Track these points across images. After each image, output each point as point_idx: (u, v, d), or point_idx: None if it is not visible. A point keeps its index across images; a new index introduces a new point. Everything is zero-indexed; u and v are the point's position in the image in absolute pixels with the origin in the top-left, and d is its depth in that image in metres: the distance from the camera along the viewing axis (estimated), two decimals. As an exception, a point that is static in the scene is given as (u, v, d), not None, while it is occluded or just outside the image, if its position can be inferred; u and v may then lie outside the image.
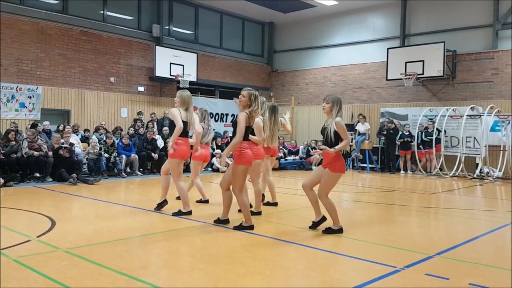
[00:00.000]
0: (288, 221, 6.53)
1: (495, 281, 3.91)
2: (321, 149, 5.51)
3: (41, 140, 10.88)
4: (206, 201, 7.78)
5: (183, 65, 15.65)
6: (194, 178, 7.77)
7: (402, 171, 14.69)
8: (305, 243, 5.09)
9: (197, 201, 7.71)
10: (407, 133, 14.51)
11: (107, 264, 4.12)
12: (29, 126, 11.72)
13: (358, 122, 15.83)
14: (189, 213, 6.62)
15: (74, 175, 10.17)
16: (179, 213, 6.59)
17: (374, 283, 3.79)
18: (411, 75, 14.86)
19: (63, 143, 10.89)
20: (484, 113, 13.11)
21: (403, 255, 4.64)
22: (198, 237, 5.39)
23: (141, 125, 13.77)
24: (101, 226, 5.85)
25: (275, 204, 7.56)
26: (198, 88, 17.08)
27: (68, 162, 10.61)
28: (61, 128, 11.99)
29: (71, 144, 11.23)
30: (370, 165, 15.09)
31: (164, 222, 6.15)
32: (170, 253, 4.69)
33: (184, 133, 6.42)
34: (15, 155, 10.21)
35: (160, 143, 13.36)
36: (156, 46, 15.24)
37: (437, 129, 13.76)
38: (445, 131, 13.84)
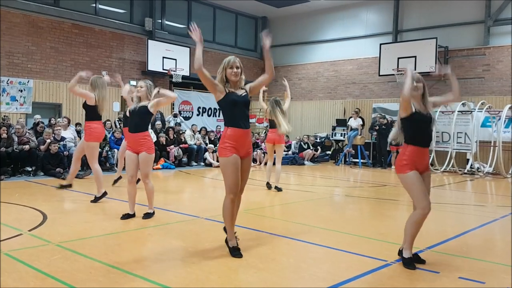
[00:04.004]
0: (280, 215, 6.56)
1: (484, 275, 3.96)
2: None
3: (28, 133, 10.79)
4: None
5: (176, 59, 15.59)
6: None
7: (393, 166, 14.78)
8: (297, 237, 5.12)
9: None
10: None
11: (99, 257, 4.12)
12: (21, 119, 11.61)
13: (351, 117, 15.88)
14: (105, 194, 7.09)
15: (60, 169, 10.28)
16: (96, 200, 7.01)
17: (365, 277, 3.83)
18: (403, 70, 14.92)
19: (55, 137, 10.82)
20: (475, 109, 13.21)
21: (394, 249, 4.66)
22: (190, 231, 5.40)
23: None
24: (93, 220, 5.83)
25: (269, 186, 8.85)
26: (191, 82, 17.01)
27: (57, 156, 10.54)
28: (52, 122, 11.90)
29: (63, 138, 11.15)
30: (362, 160, 15.17)
31: (156, 216, 6.14)
32: (163, 246, 4.69)
33: (98, 117, 7.21)
34: (5, 149, 10.11)
35: (152, 137, 13.27)
36: (149, 40, 15.16)
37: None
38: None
